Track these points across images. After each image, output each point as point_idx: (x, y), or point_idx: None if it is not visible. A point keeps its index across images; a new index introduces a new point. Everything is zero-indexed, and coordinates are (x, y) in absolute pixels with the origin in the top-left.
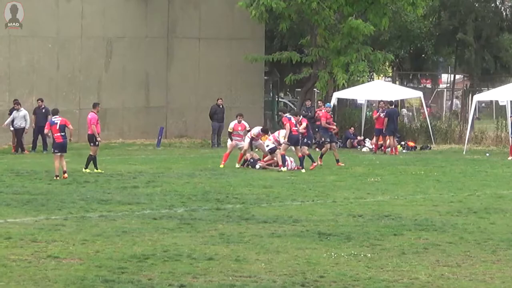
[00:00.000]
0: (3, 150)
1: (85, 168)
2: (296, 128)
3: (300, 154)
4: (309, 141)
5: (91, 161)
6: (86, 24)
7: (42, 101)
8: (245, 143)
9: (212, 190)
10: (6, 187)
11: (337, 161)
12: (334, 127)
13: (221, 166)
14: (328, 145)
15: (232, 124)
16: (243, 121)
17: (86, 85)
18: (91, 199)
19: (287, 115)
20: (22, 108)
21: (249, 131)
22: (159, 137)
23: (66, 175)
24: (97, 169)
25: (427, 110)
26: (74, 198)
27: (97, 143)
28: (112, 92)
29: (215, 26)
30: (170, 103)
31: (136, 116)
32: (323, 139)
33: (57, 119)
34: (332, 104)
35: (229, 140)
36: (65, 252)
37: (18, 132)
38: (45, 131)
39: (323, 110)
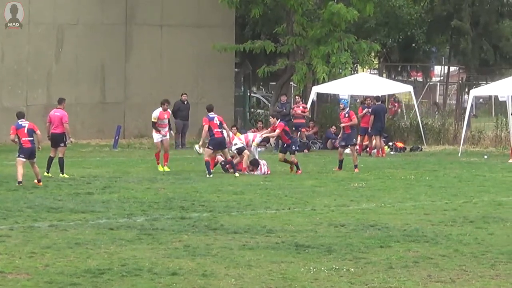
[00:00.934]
0: None
1: (62, 174)
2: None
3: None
4: (295, 147)
5: (51, 163)
6: (33, 9)
7: None
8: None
9: (176, 197)
10: None
11: (355, 166)
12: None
13: (161, 169)
14: (343, 149)
15: (156, 112)
16: (168, 109)
17: (34, 78)
18: (39, 206)
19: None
20: None
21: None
22: (116, 137)
23: (41, 183)
24: (48, 172)
25: (395, 106)
26: (20, 205)
27: (67, 143)
28: (64, 86)
29: (180, 11)
30: (128, 98)
31: (91, 113)
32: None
33: (24, 123)
34: (310, 99)
35: (154, 134)
36: (10, 266)
37: None
38: (11, 136)
39: (342, 110)
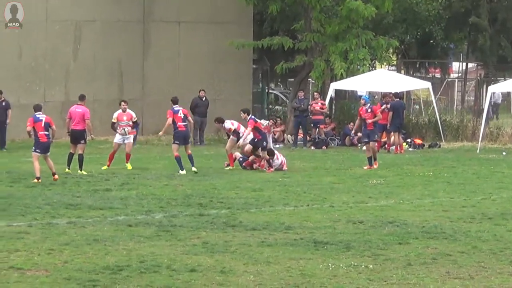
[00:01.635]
0: None
1: (80, 170)
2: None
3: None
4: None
5: (71, 160)
6: (51, 6)
7: (1, 93)
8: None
9: (194, 194)
10: None
11: (375, 159)
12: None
13: (104, 168)
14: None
15: (115, 114)
16: (128, 110)
17: (51, 75)
18: (58, 203)
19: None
20: None
21: (135, 122)
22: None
23: (56, 176)
24: (69, 168)
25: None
26: (39, 202)
27: (87, 140)
28: (81, 83)
29: (197, 8)
30: (146, 95)
31: (109, 110)
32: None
33: (41, 116)
34: (329, 96)
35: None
36: (29, 263)
37: None
38: (28, 128)
39: (363, 105)
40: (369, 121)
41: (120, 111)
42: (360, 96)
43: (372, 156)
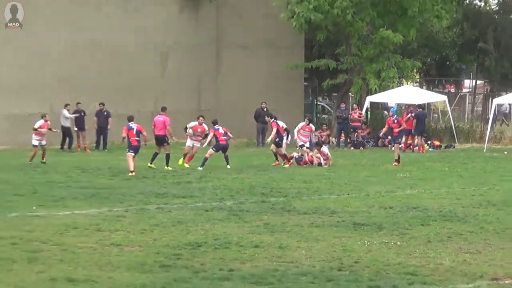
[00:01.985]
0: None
1: (166, 166)
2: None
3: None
4: (280, 142)
5: (155, 157)
6: (144, 35)
7: (103, 104)
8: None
9: (258, 185)
10: (74, 182)
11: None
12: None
13: (180, 163)
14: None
15: (192, 124)
16: (203, 124)
17: (143, 90)
18: (149, 193)
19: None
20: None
21: (206, 134)
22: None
23: (133, 173)
24: (151, 163)
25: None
26: (134, 192)
27: (170, 142)
28: (167, 96)
29: (260, 36)
30: (219, 106)
31: (189, 118)
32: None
33: (133, 125)
34: (365, 107)
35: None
36: (126, 240)
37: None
38: (123, 134)
39: (391, 116)
40: (396, 130)
41: (196, 123)
42: (390, 107)
43: (398, 154)
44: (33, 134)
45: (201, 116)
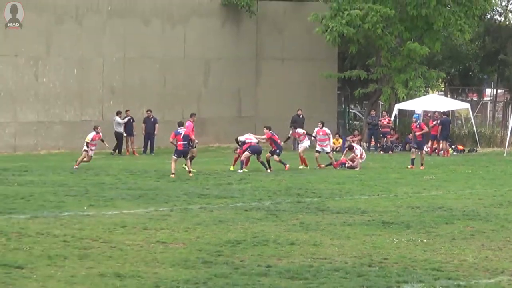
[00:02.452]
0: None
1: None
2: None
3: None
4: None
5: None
6: (188, 47)
7: (150, 111)
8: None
9: (294, 186)
10: (122, 184)
11: (421, 164)
12: (419, 133)
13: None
14: (415, 151)
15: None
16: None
17: (187, 98)
18: (192, 194)
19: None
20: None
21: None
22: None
23: (191, 174)
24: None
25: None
26: (178, 193)
27: (194, 146)
28: (210, 104)
29: (296, 48)
30: (258, 113)
31: (230, 124)
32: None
33: (181, 130)
34: (394, 114)
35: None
36: (171, 238)
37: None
38: (170, 139)
39: (414, 122)
40: (418, 133)
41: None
42: (414, 115)
43: (415, 158)
44: (85, 145)
45: (268, 127)
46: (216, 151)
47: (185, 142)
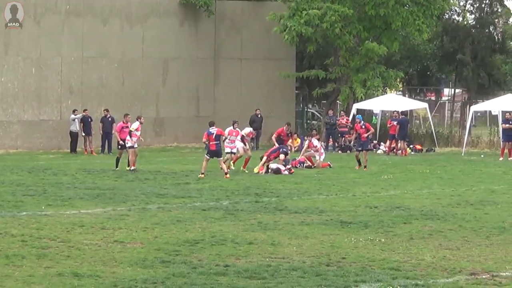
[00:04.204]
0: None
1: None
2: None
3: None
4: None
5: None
6: (146, 47)
7: (107, 111)
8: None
9: (252, 186)
10: (80, 183)
11: (365, 166)
12: (365, 135)
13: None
14: (358, 152)
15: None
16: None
17: (146, 98)
18: (150, 193)
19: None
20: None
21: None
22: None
23: (228, 175)
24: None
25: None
26: (136, 192)
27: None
28: (168, 103)
29: (255, 48)
30: (216, 113)
31: (189, 124)
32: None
33: (213, 130)
34: (351, 114)
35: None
36: (129, 238)
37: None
38: (204, 139)
39: (358, 123)
40: (365, 135)
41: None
42: (376, 114)
43: (361, 159)
44: (128, 136)
45: (234, 121)
46: (175, 150)
47: (217, 142)
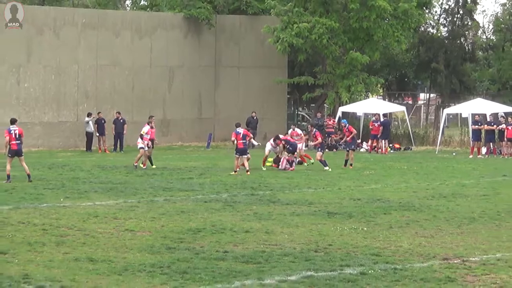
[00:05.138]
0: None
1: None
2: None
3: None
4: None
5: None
6: (154, 56)
7: (119, 113)
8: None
9: (248, 181)
10: (95, 178)
11: (351, 164)
12: (349, 138)
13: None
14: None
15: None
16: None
17: (154, 102)
18: (157, 187)
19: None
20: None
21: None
22: (209, 141)
23: (248, 172)
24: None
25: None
26: (145, 186)
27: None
28: (174, 107)
29: (251, 57)
30: (217, 115)
31: (192, 125)
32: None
33: (240, 130)
34: (337, 116)
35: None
36: (138, 227)
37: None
38: (232, 138)
39: (344, 127)
40: (348, 138)
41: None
42: (359, 116)
43: (347, 160)
44: (140, 139)
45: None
46: (179, 149)
47: (244, 141)
